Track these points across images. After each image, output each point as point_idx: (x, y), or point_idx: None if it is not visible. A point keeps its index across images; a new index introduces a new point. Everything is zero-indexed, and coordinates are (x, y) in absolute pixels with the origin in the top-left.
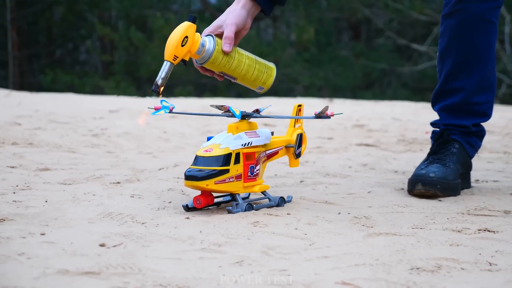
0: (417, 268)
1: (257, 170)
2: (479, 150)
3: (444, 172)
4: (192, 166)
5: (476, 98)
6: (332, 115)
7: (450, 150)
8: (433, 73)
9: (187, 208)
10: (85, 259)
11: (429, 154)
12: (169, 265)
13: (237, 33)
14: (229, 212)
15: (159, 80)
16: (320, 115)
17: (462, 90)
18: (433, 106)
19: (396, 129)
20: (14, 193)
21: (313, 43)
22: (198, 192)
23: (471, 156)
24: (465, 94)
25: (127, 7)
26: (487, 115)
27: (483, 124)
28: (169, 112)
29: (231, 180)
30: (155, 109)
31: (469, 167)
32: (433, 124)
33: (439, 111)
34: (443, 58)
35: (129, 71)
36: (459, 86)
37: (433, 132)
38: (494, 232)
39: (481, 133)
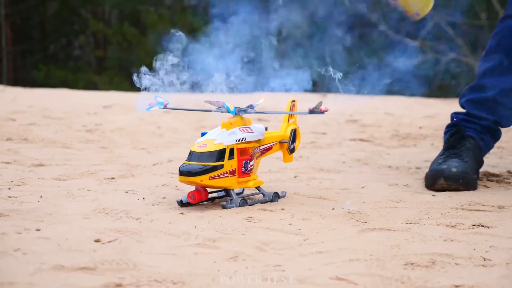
0: (412, 264)
1: (251, 166)
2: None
3: (464, 167)
4: (187, 162)
5: (504, 100)
6: (326, 111)
7: (466, 146)
8: (426, 69)
9: (182, 204)
10: (80, 254)
11: (445, 149)
12: (164, 260)
13: None
14: (224, 207)
15: None
16: (314, 111)
17: (494, 88)
18: (461, 98)
19: (389, 124)
20: (9, 188)
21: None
22: (193, 188)
23: (483, 155)
24: (495, 92)
25: (120, 3)
26: (510, 121)
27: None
28: (163, 108)
29: (225, 175)
30: (150, 104)
31: (480, 164)
32: (454, 114)
33: (465, 102)
34: (487, 56)
35: (123, 66)
36: (492, 84)
37: (448, 126)
38: (488, 227)
39: (497, 133)
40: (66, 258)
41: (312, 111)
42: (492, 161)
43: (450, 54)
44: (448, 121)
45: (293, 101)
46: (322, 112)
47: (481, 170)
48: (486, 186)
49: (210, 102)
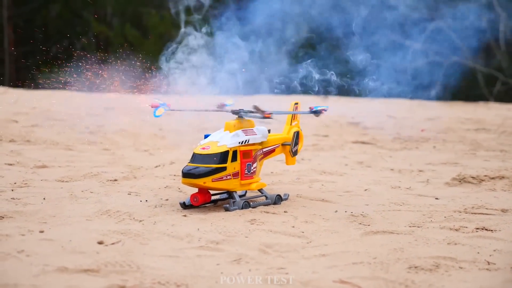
0: (415, 267)
1: (254, 168)
2: (476, 148)
3: None
4: (190, 164)
5: None
6: (327, 110)
7: None
8: (427, 70)
9: (184, 206)
10: (83, 256)
11: None
12: (167, 262)
13: None
14: (226, 209)
15: None
16: (316, 110)
17: None
18: None
19: (391, 127)
20: (12, 190)
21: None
22: (195, 190)
23: None
24: None
25: (122, 5)
26: None
27: None
28: (168, 110)
29: (228, 177)
30: (152, 106)
31: None
32: None
33: None
34: None
35: None
36: None
37: None
38: (492, 230)
39: None
40: (70, 260)
41: (313, 111)
42: (495, 164)
43: (451, 57)
44: (450, 124)
45: (296, 103)
46: (323, 111)
47: (483, 173)
48: (489, 189)
49: (217, 107)
